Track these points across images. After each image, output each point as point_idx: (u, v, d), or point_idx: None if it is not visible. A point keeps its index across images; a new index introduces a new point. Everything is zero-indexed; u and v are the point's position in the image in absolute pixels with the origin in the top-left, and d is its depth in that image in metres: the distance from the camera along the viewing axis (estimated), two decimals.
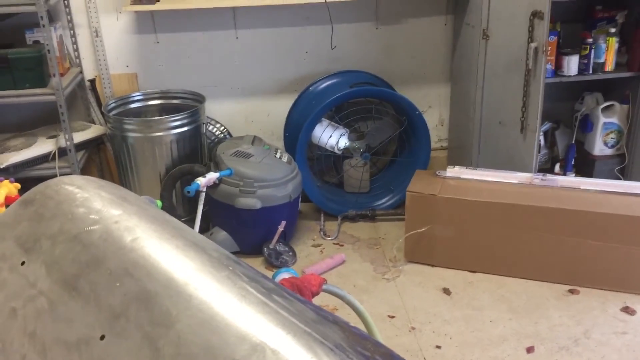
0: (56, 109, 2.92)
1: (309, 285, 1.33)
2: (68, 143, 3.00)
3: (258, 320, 0.77)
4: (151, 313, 0.78)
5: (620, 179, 3.21)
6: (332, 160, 3.50)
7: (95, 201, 0.97)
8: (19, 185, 2.63)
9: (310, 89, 3.39)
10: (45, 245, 0.92)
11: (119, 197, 1.00)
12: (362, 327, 1.54)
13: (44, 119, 3.30)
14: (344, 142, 3.33)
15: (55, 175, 2.95)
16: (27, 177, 2.98)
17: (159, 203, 2.25)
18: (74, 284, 0.85)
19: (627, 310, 2.50)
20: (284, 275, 2.72)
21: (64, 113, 2.93)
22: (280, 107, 3.50)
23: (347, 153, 3.39)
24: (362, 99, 3.33)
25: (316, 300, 1.59)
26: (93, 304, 0.82)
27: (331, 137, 3.30)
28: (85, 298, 0.83)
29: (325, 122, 3.30)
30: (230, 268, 0.87)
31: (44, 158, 3.06)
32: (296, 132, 3.22)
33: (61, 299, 0.85)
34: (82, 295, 0.84)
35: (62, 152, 3.05)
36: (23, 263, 0.92)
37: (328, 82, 3.38)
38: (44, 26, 2.77)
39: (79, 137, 3.14)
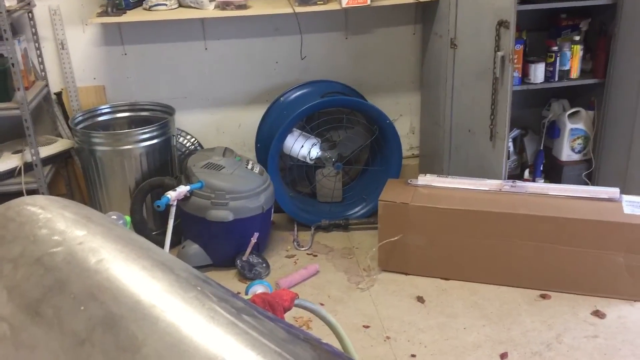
0: (21, 124, 2.87)
1: (280, 300, 1.32)
2: (34, 158, 2.94)
3: (227, 342, 0.76)
4: (117, 338, 0.76)
5: (587, 184, 3.26)
6: (305, 170, 3.50)
7: (58, 222, 0.94)
8: None
9: (281, 99, 3.39)
10: (7, 269, 0.89)
11: (84, 217, 0.98)
12: (335, 340, 1.53)
13: (9, 134, 3.23)
14: (315, 152, 3.33)
15: (21, 191, 2.90)
16: None
17: (128, 219, 2.21)
18: (36, 308, 0.83)
19: (597, 314, 2.53)
20: (257, 287, 2.71)
21: (30, 127, 2.87)
22: (252, 118, 3.48)
23: (319, 163, 3.38)
24: (333, 109, 3.34)
25: (290, 313, 1.58)
26: (57, 330, 0.80)
27: (303, 147, 3.30)
28: (49, 323, 0.81)
29: (296, 132, 3.29)
30: (199, 288, 0.85)
31: (10, 173, 2.99)
32: (268, 142, 3.20)
33: (23, 324, 0.82)
34: (45, 321, 0.81)
35: (28, 167, 2.99)
36: None
37: (299, 92, 3.38)
38: (7, 39, 2.72)
39: (45, 151, 3.08)
